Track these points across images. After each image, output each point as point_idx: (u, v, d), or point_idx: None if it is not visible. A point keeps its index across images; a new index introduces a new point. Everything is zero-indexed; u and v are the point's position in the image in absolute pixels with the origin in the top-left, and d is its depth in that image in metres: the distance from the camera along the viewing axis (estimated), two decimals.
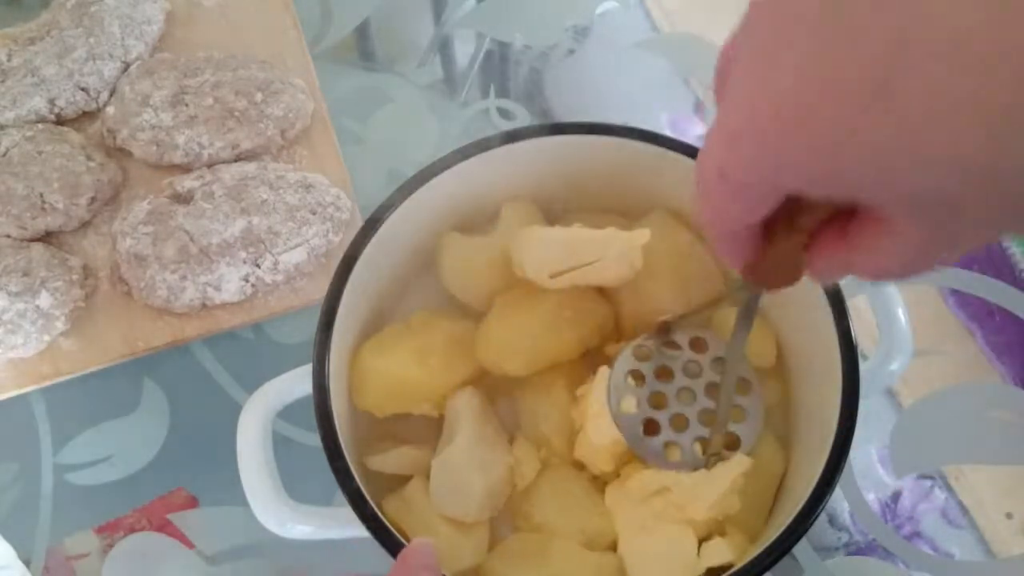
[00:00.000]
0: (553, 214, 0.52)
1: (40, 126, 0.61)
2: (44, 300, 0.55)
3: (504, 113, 0.68)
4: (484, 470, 0.44)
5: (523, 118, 0.67)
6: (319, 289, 0.55)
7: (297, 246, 0.57)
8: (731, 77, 0.25)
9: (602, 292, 0.48)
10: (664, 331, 0.45)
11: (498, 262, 0.47)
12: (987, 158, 0.21)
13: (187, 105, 0.61)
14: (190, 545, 0.52)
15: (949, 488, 0.56)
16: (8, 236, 0.58)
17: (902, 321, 0.45)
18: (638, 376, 0.44)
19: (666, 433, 0.43)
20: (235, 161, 0.61)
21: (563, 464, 0.46)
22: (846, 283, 0.43)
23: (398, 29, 0.74)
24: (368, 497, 0.40)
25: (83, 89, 0.63)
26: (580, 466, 0.46)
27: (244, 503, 0.41)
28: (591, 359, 0.47)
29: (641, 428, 0.43)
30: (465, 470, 0.43)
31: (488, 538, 0.44)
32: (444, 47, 0.73)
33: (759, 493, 0.44)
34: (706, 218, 0.29)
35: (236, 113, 0.60)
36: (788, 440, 0.47)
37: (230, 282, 0.56)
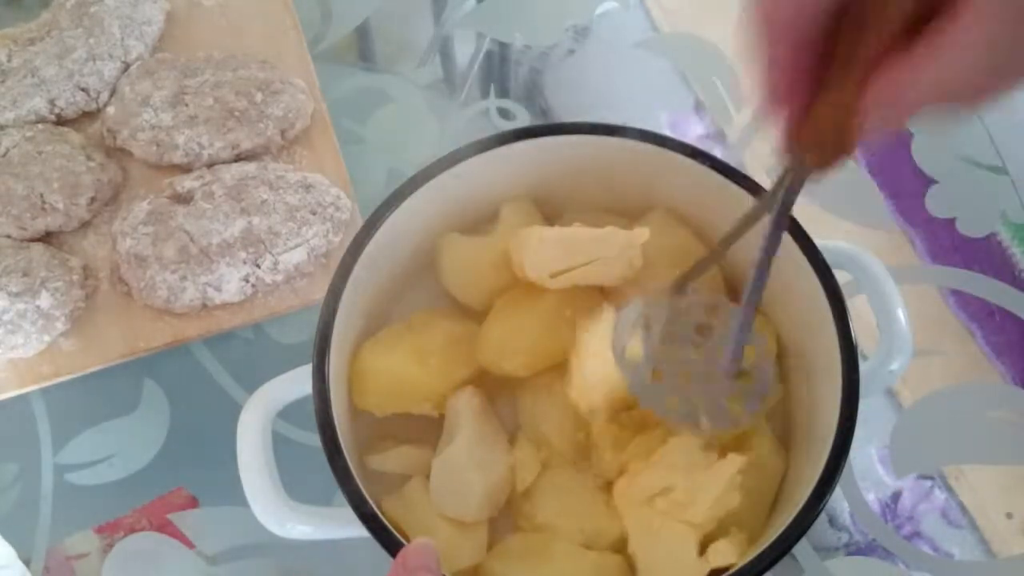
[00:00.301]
0: (553, 214, 0.52)
1: (40, 126, 0.61)
2: (44, 300, 0.55)
3: (504, 113, 0.68)
4: (484, 470, 0.44)
5: (523, 118, 0.67)
6: (319, 289, 0.55)
7: (297, 246, 0.57)
8: None
9: (603, 291, 0.48)
10: (679, 291, 0.44)
11: (498, 262, 0.47)
12: None
13: (187, 105, 0.61)
14: (190, 545, 0.52)
15: (949, 488, 0.56)
16: (8, 236, 0.58)
17: (902, 321, 0.45)
18: (647, 326, 0.43)
19: (670, 383, 0.42)
20: (235, 161, 0.61)
21: (564, 464, 0.46)
22: (846, 283, 0.43)
23: (398, 29, 0.74)
24: (368, 497, 0.40)
25: (83, 89, 0.63)
26: (581, 466, 0.46)
27: (244, 503, 0.41)
28: None
29: (645, 375, 0.42)
30: (465, 470, 0.43)
31: (487, 538, 0.44)
32: (444, 47, 0.73)
33: (759, 493, 0.44)
34: (762, 9, 0.26)
35: (236, 113, 0.60)
36: (788, 440, 0.47)
37: (230, 282, 0.56)
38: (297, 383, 0.43)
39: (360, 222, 0.48)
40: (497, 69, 0.72)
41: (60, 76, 0.62)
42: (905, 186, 0.64)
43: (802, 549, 0.52)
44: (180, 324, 0.57)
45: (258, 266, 0.56)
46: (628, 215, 0.51)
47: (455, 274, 0.49)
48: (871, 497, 0.54)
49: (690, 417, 0.42)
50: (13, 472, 0.55)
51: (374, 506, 0.39)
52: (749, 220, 0.40)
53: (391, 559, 0.37)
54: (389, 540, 0.39)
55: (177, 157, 0.60)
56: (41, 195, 0.58)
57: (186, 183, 0.58)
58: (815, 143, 0.30)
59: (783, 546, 0.38)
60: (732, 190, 0.45)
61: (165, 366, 0.58)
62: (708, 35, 0.70)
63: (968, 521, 0.55)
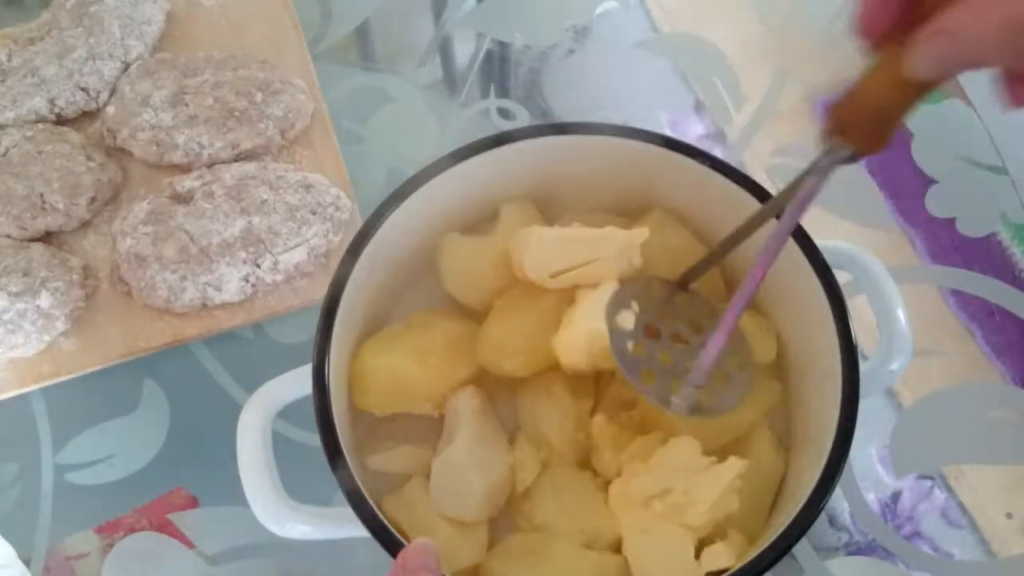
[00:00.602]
0: (553, 214, 0.52)
1: (40, 126, 0.61)
2: (44, 300, 0.55)
3: (504, 113, 0.68)
4: (484, 470, 0.44)
5: (523, 118, 0.67)
6: (319, 289, 0.55)
7: (297, 246, 0.57)
8: None
9: None
10: (683, 286, 0.45)
11: (498, 262, 0.47)
12: None
13: (187, 105, 0.61)
14: (190, 545, 0.52)
15: (949, 488, 0.56)
16: (8, 236, 0.58)
17: (902, 321, 0.45)
18: (644, 307, 0.44)
19: (650, 358, 0.43)
20: (235, 161, 0.61)
21: (564, 464, 0.46)
22: (846, 283, 0.43)
23: (398, 29, 0.74)
24: (368, 497, 0.40)
25: (83, 89, 0.63)
26: (581, 466, 0.46)
27: (244, 503, 0.41)
28: None
29: (628, 345, 0.43)
30: (465, 470, 0.43)
31: (487, 538, 0.44)
32: (444, 47, 0.73)
33: (759, 493, 0.44)
34: None
35: (236, 113, 0.60)
36: (788, 440, 0.47)
37: (230, 282, 0.56)
38: (297, 383, 0.43)
39: (360, 222, 0.48)
40: (497, 69, 0.72)
41: (60, 76, 0.62)
42: (905, 186, 0.64)
43: (802, 549, 0.52)
44: (180, 324, 0.57)
45: (258, 266, 0.56)
46: (628, 215, 0.51)
47: (455, 274, 0.49)
48: (871, 497, 0.54)
49: (662, 396, 0.42)
50: (13, 472, 0.55)
51: (374, 506, 0.39)
52: (754, 223, 0.40)
53: (391, 559, 0.37)
54: (389, 540, 0.39)
55: (177, 157, 0.60)
56: (41, 195, 0.58)
57: (186, 183, 0.58)
58: (857, 127, 0.31)
59: (783, 546, 0.38)
60: (732, 190, 0.45)
61: (165, 366, 0.58)
62: (708, 35, 0.70)
63: (968, 521, 0.55)
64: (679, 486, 0.42)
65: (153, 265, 0.55)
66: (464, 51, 0.72)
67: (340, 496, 0.39)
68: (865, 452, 0.56)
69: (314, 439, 0.41)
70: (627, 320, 0.43)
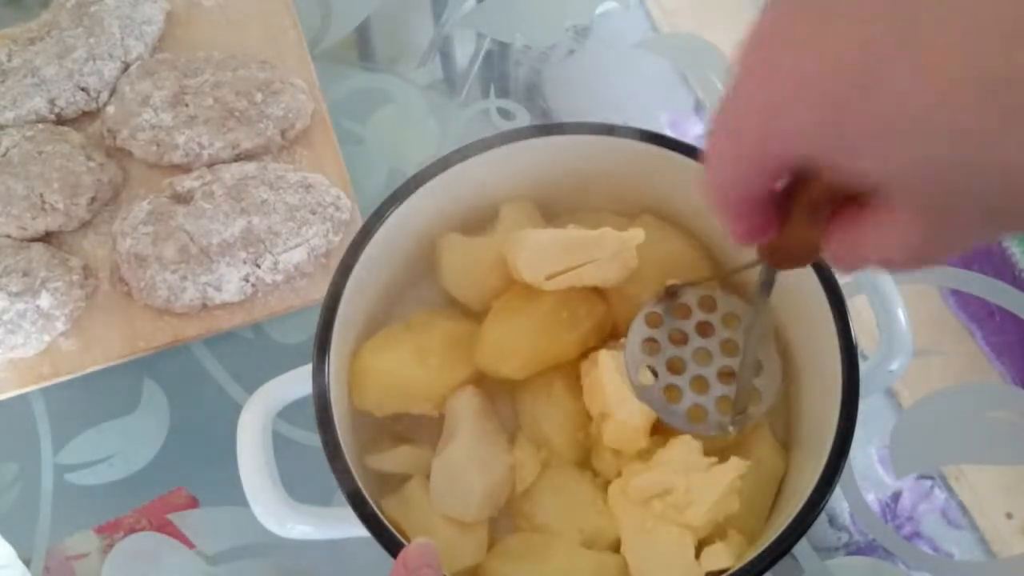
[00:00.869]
0: (553, 214, 0.52)
1: (40, 126, 0.61)
2: (44, 300, 0.55)
3: (504, 113, 0.68)
4: (484, 469, 0.44)
5: (523, 118, 0.67)
6: (319, 289, 0.55)
7: (297, 246, 0.57)
8: (746, 48, 0.26)
9: (599, 293, 0.48)
10: (672, 295, 0.45)
11: (497, 262, 0.47)
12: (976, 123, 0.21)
13: (187, 105, 0.61)
14: (190, 545, 0.52)
15: (949, 488, 0.56)
16: (8, 236, 0.58)
17: (902, 321, 0.45)
18: (653, 344, 0.44)
19: (688, 397, 0.44)
20: (235, 161, 0.61)
21: (564, 464, 0.46)
22: (846, 283, 0.43)
23: (398, 29, 0.74)
24: (368, 497, 0.40)
25: (83, 89, 0.63)
26: (581, 466, 0.46)
27: (244, 503, 0.41)
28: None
29: (664, 395, 0.44)
30: (465, 469, 0.43)
31: (487, 537, 0.44)
32: (444, 47, 0.73)
33: (759, 494, 0.44)
34: (716, 190, 0.29)
35: (236, 113, 0.60)
36: (788, 440, 0.47)
37: (230, 282, 0.56)
38: (297, 383, 0.43)
39: (360, 222, 0.48)
40: (497, 69, 0.72)
41: (60, 76, 0.62)
42: None
43: (802, 549, 0.52)
44: (180, 324, 0.57)
45: (258, 266, 0.56)
46: (628, 215, 0.51)
47: (454, 275, 0.49)
48: (871, 497, 0.54)
49: (715, 429, 0.43)
50: (13, 472, 0.55)
51: (374, 506, 0.39)
52: (724, 275, 0.43)
53: (391, 559, 0.37)
54: (389, 540, 0.39)
55: (177, 157, 0.60)
56: (41, 195, 0.58)
57: (186, 183, 0.58)
58: (785, 261, 0.33)
59: (783, 546, 0.38)
60: None
61: (165, 366, 0.58)
62: (708, 35, 0.70)
63: (968, 521, 0.55)
64: (679, 486, 0.42)
65: (153, 265, 0.55)
66: (464, 51, 0.72)
67: (340, 496, 0.39)
68: (865, 452, 0.56)
69: (314, 439, 0.41)
70: (647, 376, 0.44)
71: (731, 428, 0.43)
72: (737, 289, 0.46)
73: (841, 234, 0.29)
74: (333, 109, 0.65)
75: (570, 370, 0.47)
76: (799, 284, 0.44)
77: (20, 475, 0.55)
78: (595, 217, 0.50)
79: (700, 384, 0.44)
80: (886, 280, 0.45)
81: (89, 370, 0.57)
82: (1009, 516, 0.55)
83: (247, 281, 0.56)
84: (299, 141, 0.64)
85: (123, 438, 0.56)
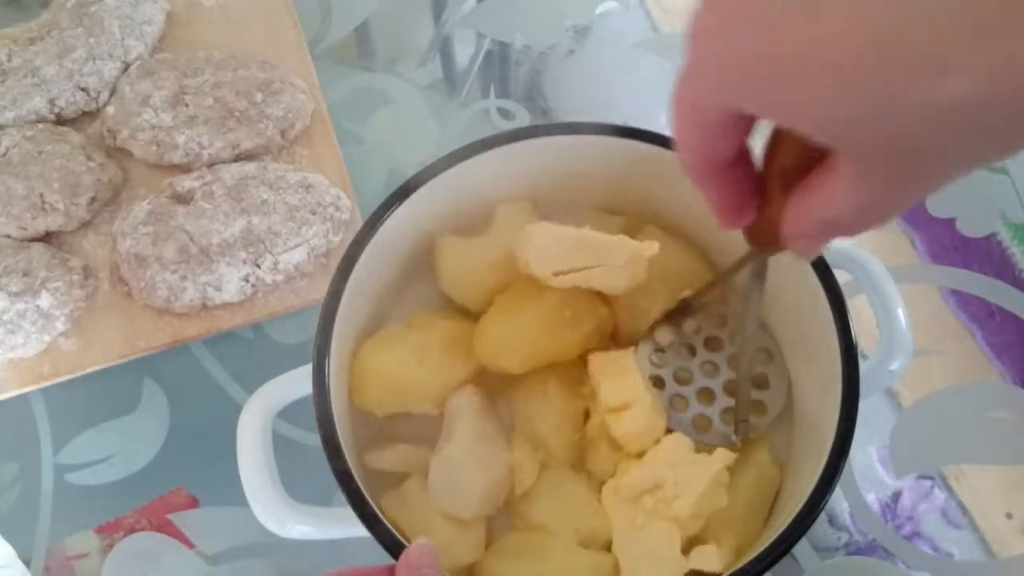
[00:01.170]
0: (553, 214, 0.52)
1: (40, 126, 0.61)
2: (44, 300, 0.55)
3: (504, 113, 0.68)
4: (484, 468, 0.44)
5: (523, 118, 0.67)
6: (319, 289, 0.55)
7: (297, 246, 0.57)
8: (692, 22, 0.27)
9: (603, 299, 0.48)
10: (683, 308, 0.46)
11: (494, 263, 0.47)
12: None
13: (187, 105, 0.61)
14: (190, 545, 0.52)
15: (949, 488, 0.56)
16: (8, 236, 0.58)
17: (902, 321, 0.45)
18: (661, 355, 0.46)
19: (694, 407, 0.45)
20: (235, 161, 0.61)
21: (560, 464, 0.46)
22: (846, 283, 0.43)
23: (398, 29, 0.74)
24: (368, 497, 0.40)
25: (83, 89, 0.63)
26: (576, 467, 0.46)
27: (244, 503, 0.41)
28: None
29: (669, 404, 0.45)
30: (465, 468, 0.43)
31: (485, 536, 0.44)
32: (444, 47, 0.73)
33: (758, 494, 0.44)
34: (683, 156, 0.31)
35: (236, 113, 0.60)
36: (788, 441, 0.47)
37: (230, 282, 0.56)
38: (297, 383, 0.43)
39: (360, 222, 0.48)
40: (497, 69, 0.72)
41: (60, 76, 0.62)
42: None
43: (802, 549, 0.52)
44: (180, 324, 0.57)
45: (258, 266, 0.56)
46: (628, 215, 0.51)
47: (452, 276, 0.49)
48: (871, 497, 0.54)
49: (720, 439, 0.45)
50: (13, 472, 0.55)
51: (374, 506, 0.39)
52: (733, 271, 0.43)
53: (391, 559, 0.37)
54: (389, 540, 0.39)
55: (177, 157, 0.60)
56: (41, 195, 0.58)
57: (186, 183, 0.58)
58: (768, 239, 0.34)
59: (783, 546, 0.38)
60: None
61: (165, 366, 0.58)
62: None
63: (968, 521, 0.55)
64: (668, 480, 0.42)
65: (153, 265, 0.55)
66: (464, 51, 0.72)
67: (340, 496, 0.39)
68: (865, 452, 0.56)
69: (314, 439, 0.41)
70: (656, 384, 0.46)
71: (734, 437, 0.44)
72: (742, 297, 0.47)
73: (796, 198, 0.30)
74: (333, 109, 0.65)
75: (565, 371, 0.47)
76: (799, 284, 0.44)
77: (20, 475, 0.55)
78: (595, 217, 0.50)
79: (706, 396, 0.45)
80: (886, 280, 0.45)
81: (89, 370, 0.57)
82: (1009, 516, 0.55)
83: (247, 281, 0.56)
84: (299, 141, 0.64)
85: (123, 438, 0.56)
